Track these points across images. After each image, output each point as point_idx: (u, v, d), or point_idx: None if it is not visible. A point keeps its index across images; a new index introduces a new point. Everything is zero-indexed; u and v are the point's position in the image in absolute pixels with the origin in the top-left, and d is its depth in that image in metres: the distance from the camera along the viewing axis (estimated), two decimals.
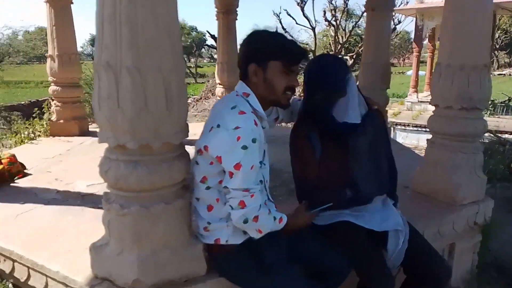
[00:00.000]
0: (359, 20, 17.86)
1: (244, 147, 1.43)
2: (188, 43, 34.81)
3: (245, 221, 1.51)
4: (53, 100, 4.62)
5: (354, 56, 17.21)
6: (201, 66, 42.34)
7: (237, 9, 5.30)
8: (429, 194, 2.64)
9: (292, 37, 19.42)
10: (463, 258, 2.62)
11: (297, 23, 18.23)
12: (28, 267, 1.89)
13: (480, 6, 2.34)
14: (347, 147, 1.89)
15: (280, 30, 18.72)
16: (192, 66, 31.22)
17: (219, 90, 5.42)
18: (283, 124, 2.20)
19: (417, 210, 2.48)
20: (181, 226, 1.62)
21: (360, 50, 15.80)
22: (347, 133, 1.89)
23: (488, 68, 2.42)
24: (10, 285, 2.00)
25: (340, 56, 15.48)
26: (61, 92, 4.46)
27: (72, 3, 4.45)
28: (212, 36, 28.64)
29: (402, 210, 2.38)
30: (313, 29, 17.62)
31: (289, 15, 17.51)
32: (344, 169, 1.91)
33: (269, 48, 1.56)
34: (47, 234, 2.11)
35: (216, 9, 5.24)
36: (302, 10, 16.82)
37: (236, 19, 5.33)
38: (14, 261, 1.95)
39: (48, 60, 4.43)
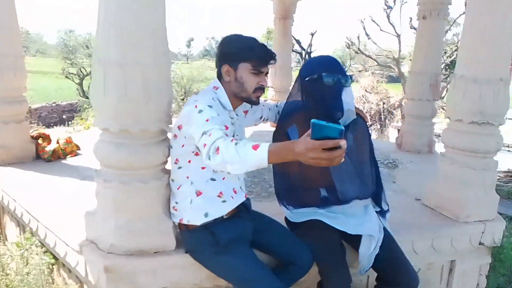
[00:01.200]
0: (449, 28, 16.78)
1: (200, 111, 1.62)
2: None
3: (209, 158, 1.49)
4: None
5: (442, 66, 16.23)
6: None
7: (294, 14, 5.45)
8: (436, 208, 2.57)
9: (375, 44, 18.90)
10: (466, 278, 2.50)
11: (381, 30, 17.56)
12: (46, 227, 2.27)
13: (499, 17, 2.24)
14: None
15: (363, 37, 18.33)
16: None
17: (271, 93, 5.60)
18: None
19: (415, 221, 2.44)
20: (155, 203, 1.84)
21: (448, 60, 14.90)
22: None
23: (506, 82, 2.30)
24: (37, 241, 2.40)
25: None
26: None
27: None
28: (297, 41, 29.04)
29: (403, 220, 2.38)
30: (398, 36, 16.94)
31: (374, 21, 17.01)
32: (324, 169, 2.00)
33: (239, 51, 1.75)
34: (68, 203, 2.48)
35: (274, 15, 5.45)
36: (388, 16, 16.28)
37: (292, 25, 5.48)
38: (38, 221, 2.35)
39: None
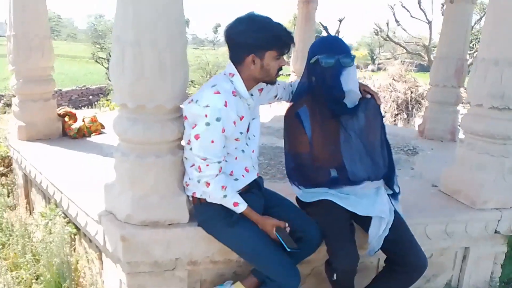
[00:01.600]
0: (483, 16, 16.15)
1: (207, 124, 1.67)
2: None
3: (199, 181, 1.78)
4: None
5: (474, 55, 15.66)
6: None
7: None
8: (452, 194, 2.54)
9: (404, 30, 18.40)
10: (480, 265, 2.48)
11: (412, 16, 17.09)
12: (69, 199, 2.38)
13: None
14: (339, 128, 2.00)
15: (393, 23, 17.86)
16: None
17: (293, 77, 5.60)
18: None
19: (430, 206, 2.43)
20: (170, 177, 1.91)
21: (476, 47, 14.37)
22: (341, 113, 1.99)
23: None
24: (60, 212, 2.53)
25: None
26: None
27: None
28: (324, 28, 28.53)
29: (417, 204, 2.38)
30: (429, 23, 16.45)
31: (404, 7, 16.55)
32: (335, 149, 2.02)
33: (266, 41, 1.73)
34: (91, 177, 2.59)
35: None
36: (419, 2, 15.81)
37: (316, 9, 5.43)
38: (61, 193, 2.47)
39: None
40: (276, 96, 2.15)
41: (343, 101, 1.99)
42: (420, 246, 2.03)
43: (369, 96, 2.06)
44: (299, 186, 2.13)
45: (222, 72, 1.84)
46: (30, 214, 3.23)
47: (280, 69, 1.84)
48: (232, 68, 1.80)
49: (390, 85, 13.36)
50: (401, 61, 16.06)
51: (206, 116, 1.67)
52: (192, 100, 1.74)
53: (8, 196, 3.47)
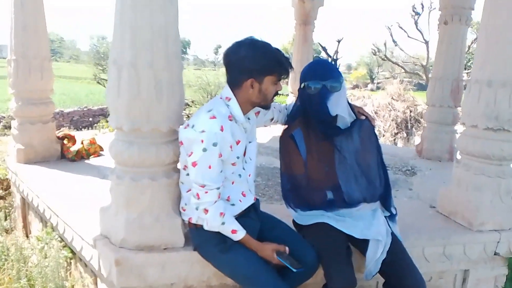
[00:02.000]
0: (476, 37, 16.33)
1: (204, 150, 1.67)
2: None
3: (197, 208, 1.77)
4: None
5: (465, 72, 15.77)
6: None
7: (315, 21, 5.48)
8: (449, 215, 2.53)
9: (402, 50, 18.61)
10: None
11: (409, 37, 17.36)
12: (64, 223, 2.37)
13: None
14: (333, 149, 2.02)
15: (390, 44, 18.09)
16: None
17: (291, 98, 5.64)
18: None
19: (427, 227, 2.41)
20: (165, 200, 1.91)
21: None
22: (334, 135, 2.01)
23: None
24: (57, 236, 2.51)
25: None
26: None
27: None
28: (323, 48, 28.94)
29: (414, 226, 2.37)
30: (427, 43, 16.66)
31: (401, 28, 16.80)
32: (330, 171, 2.03)
33: (267, 66, 1.74)
34: (87, 200, 2.58)
35: (295, 21, 5.50)
36: (416, 23, 16.06)
37: (313, 31, 5.51)
38: (57, 217, 2.46)
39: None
40: (272, 119, 2.17)
41: (336, 123, 2.02)
42: (418, 268, 2.01)
43: (363, 117, 2.08)
44: (295, 208, 2.13)
45: (219, 96, 1.85)
46: (27, 237, 3.21)
47: (276, 93, 1.86)
48: (229, 92, 1.80)
49: (389, 104, 13.44)
50: (400, 80, 16.22)
51: (202, 141, 1.67)
52: (188, 125, 1.75)
53: (6, 219, 3.45)
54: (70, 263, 2.49)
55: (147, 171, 1.87)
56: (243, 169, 1.90)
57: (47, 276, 2.13)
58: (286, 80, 2.11)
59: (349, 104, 2.06)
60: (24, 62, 3.21)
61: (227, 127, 1.71)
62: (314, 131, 2.03)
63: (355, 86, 28.35)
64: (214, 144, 1.67)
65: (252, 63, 1.72)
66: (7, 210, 3.57)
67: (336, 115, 1.99)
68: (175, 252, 1.91)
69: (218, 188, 1.74)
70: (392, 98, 13.70)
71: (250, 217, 1.94)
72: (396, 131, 12.30)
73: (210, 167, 1.69)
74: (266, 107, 1.89)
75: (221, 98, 1.82)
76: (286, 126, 2.13)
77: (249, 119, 1.91)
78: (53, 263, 2.13)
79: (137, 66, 1.76)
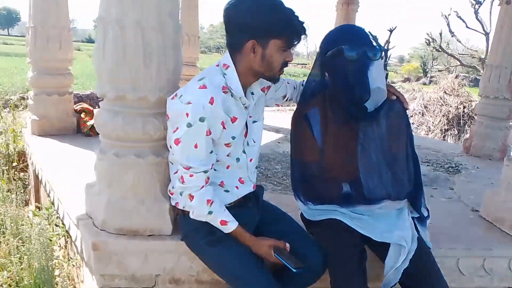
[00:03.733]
0: None
1: (189, 125, 1.39)
2: None
3: (181, 194, 1.52)
4: None
5: None
6: None
7: (359, 0, 5.04)
8: (495, 222, 2.13)
9: (460, 42, 17.41)
10: None
11: (467, 27, 16.07)
12: (58, 198, 2.22)
13: None
14: (356, 135, 1.69)
15: (447, 34, 16.92)
16: None
17: None
18: None
19: (466, 235, 2.03)
20: (153, 181, 1.67)
21: None
22: (363, 119, 1.67)
23: None
24: (55, 211, 2.37)
25: None
26: None
27: None
28: (374, 38, 27.73)
29: (450, 232, 2.02)
30: (487, 34, 15.42)
31: (459, 17, 15.64)
32: (350, 160, 1.71)
33: (273, 26, 1.41)
34: (90, 176, 2.42)
35: (336, 0, 5.09)
36: (476, 12, 14.87)
37: (357, 11, 5.08)
38: (54, 192, 2.31)
39: None
40: (285, 97, 1.86)
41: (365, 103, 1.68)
42: (450, 282, 1.66)
43: (394, 97, 1.72)
44: (306, 201, 1.82)
45: (215, 63, 1.56)
46: (40, 210, 3.14)
47: (286, 64, 1.52)
48: (228, 59, 1.50)
49: (440, 98, 12.59)
50: (456, 75, 15.18)
51: (187, 115, 1.39)
52: (176, 95, 1.48)
53: (24, 192, 3.41)
54: (67, 241, 2.34)
55: (133, 147, 1.64)
56: (243, 152, 1.61)
57: (32, 254, 1.98)
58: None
59: None
60: (42, 30, 3.10)
61: (219, 100, 1.42)
62: (335, 111, 1.70)
63: (406, 79, 27.07)
64: (201, 119, 1.39)
65: (255, 20, 1.39)
66: (25, 182, 3.53)
67: (370, 94, 1.63)
68: (160, 241, 1.68)
69: (206, 172, 1.47)
70: (444, 92, 12.83)
71: (249, 207, 1.67)
72: (446, 127, 11.52)
73: (196, 146, 1.42)
74: (273, 79, 1.56)
75: (217, 65, 1.53)
76: (299, 105, 1.82)
77: (252, 94, 1.61)
78: (39, 240, 1.97)
79: (123, 25, 1.52)
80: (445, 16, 16.10)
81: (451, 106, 12.26)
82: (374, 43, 1.67)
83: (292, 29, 1.44)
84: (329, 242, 1.65)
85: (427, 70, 33.71)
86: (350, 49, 1.56)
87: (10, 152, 3.68)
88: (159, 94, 1.61)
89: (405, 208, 1.78)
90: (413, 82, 23.77)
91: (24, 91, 8.10)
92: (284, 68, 1.56)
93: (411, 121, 11.86)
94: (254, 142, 1.66)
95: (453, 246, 1.92)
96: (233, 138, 1.52)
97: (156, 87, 1.60)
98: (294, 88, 1.88)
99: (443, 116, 11.72)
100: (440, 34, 16.65)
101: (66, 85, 3.33)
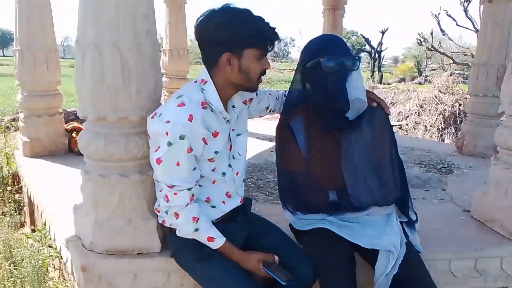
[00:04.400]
0: None
1: (169, 144, 1.39)
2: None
3: (167, 212, 1.51)
4: (164, 90, 5.20)
5: None
6: None
7: (345, 6, 5.08)
8: (486, 222, 2.12)
9: (451, 40, 17.50)
10: None
11: (458, 25, 16.21)
12: (49, 219, 2.22)
13: None
14: (340, 144, 1.70)
15: (438, 33, 17.01)
16: None
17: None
18: None
19: (457, 236, 2.03)
20: (138, 199, 1.68)
21: None
22: (343, 128, 1.69)
23: None
24: (47, 233, 2.37)
25: None
26: (170, 83, 4.99)
27: (186, 3, 4.92)
28: (366, 40, 27.86)
29: (441, 234, 2.02)
30: (477, 31, 15.52)
31: (449, 15, 15.74)
32: (335, 169, 1.71)
33: (244, 36, 1.42)
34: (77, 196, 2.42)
35: (323, 6, 5.12)
36: (465, 10, 14.97)
37: (343, 16, 5.11)
38: (44, 213, 2.31)
39: (162, 54, 5.00)
40: (268, 108, 1.87)
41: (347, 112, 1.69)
42: (443, 285, 1.66)
43: (375, 104, 1.73)
44: (294, 211, 1.82)
45: (193, 80, 1.57)
46: (34, 232, 3.13)
47: (264, 73, 1.53)
48: (205, 75, 1.51)
49: (436, 97, 12.63)
50: (450, 73, 15.22)
51: (167, 134, 1.39)
52: (155, 114, 1.48)
53: (19, 214, 3.40)
54: (61, 262, 2.34)
55: (117, 166, 1.65)
56: (229, 166, 1.62)
57: (25, 277, 1.98)
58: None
59: None
60: (29, 52, 3.11)
61: (198, 117, 1.42)
62: (318, 121, 1.72)
63: (402, 80, 27.10)
64: (181, 137, 1.39)
65: (226, 33, 1.40)
66: (21, 204, 3.52)
67: (349, 104, 1.65)
68: (149, 259, 1.68)
69: (190, 189, 1.47)
70: (439, 91, 12.86)
71: (236, 221, 1.67)
72: (443, 126, 11.52)
73: (178, 164, 1.42)
74: (252, 89, 1.57)
75: (196, 81, 1.54)
76: (282, 114, 1.83)
77: (234, 107, 1.62)
78: (31, 263, 1.97)
79: (100, 46, 1.53)
80: (435, 15, 16.21)
81: (446, 105, 12.29)
82: (353, 53, 1.69)
83: (264, 36, 1.45)
84: (318, 251, 1.65)
85: (421, 70, 33.81)
86: (328, 60, 1.58)
87: (4, 175, 3.68)
88: (141, 113, 1.61)
89: (393, 213, 1.78)
90: (408, 82, 23.81)
91: (15, 112, 8.14)
92: (262, 77, 1.57)
93: (407, 121, 11.89)
94: (240, 155, 1.67)
95: (444, 249, 1.91)
96: (216, 152, 1.53)
97: (136, 106, 1.60)
98: (277, 99, 1.89)
99: (439, 114, 11.72)
100: (431, 33, 16.76)
101: (55, 105, 3.34)
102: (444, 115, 11.90)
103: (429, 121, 11.54)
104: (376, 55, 26.40)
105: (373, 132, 1.71)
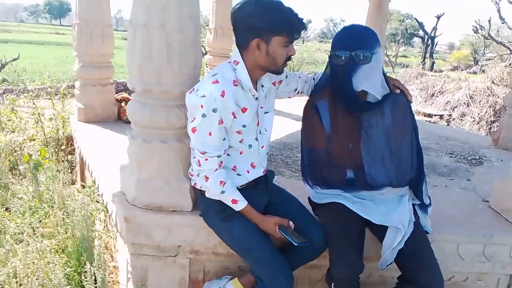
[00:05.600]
0: None
1: (203, 115, 1.61)
2: (398, 30, 33.17)
3: (198, 175, 1.73)
4: (207, 66, 5.43)
5: None
6: (407, 56, 39.89)
7: None
8: (502, 212, 2.20)
9: (511, 28, 16.50)
10: None
11: None
12: (98, 178, 2.52)
13: None
14: (361, 125, 1.84)
15: (497, 20, 16.09)
16: (392, 54, 29.67)
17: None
18: None
19: (468, 222, 2.13)
20: (175, 164, 1.91)
21: None
22: (359, 111, 1.83)
23: None
24: (96, 189, 2.69)
25: None
26: (212, 61, 5.21)
27: None
28: (420, 24, 26.71)
29: (453, 218, 2.13)
30: None
31: (510, 2, 14.83)
32: (354, 149, 1.86)
33: (273, 24, 1.60)
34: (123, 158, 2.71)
35: None
36: None
37: (390, 0, 5.06)
38: (94, 171, 2.62)
39: (207, 32, 5.20)
40: (296, 90, 2.03)
41: (366, 98, 1.83)
42: (451, 266, 1.79)
43: (398, 91, 1.85)
44: (313, 186, 2.00)
45: (227, 60, 1.77)
46: (84, 188, 3.50)
47: (289, 58, 1.71)
48: (238, 56, 1.71)
49: (488, 88, 12.10)
50: (507, 64, 14.47)
51: (202, 107, 1.61)
52: (193, 89, 1.70)
53: (71, 172, 3.79)
54: (106, 216, 2.65)
55: (158, 134, 1.88)
56: (256, 140, 1.81)
57: (75, 225, 2.29)
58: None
59: (384, 76, 1.85)
60: (86, 27, 3.41)
61: (230, 93, 1.63)
62: (341, 103, 1.87)
63: (455, 68, 25.92)
64: (214, 110, 1.60)
65: (257, 21, 1.59)
66: (73, 164, 3.91)
67: (355, 93, 1.79)
68: (181, 216, 1.92)
69: (219, 156, 1.68)
70: (492, 82, 12.30)
71: (258, 189, 1.87)
72: (493, 119, 11.07)
73: (210, 134, 1.64)
74: (277, 72, 1.75)
75: (229, 62, 1.73)
76: (311, 95, 1.99)
77: (262, 86, 1.80)
78: (80, 214, 2.27)
79: (149, 27, 1.75)
80: (496, 1, 15.32)
81: (498, 97, 11.75)
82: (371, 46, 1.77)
83: (291, 25, 1.63)
84: (331, 223, 1.83)
85: (477, 59, 32.09)
86: (336, 54, 1.76)
87: (59, 137, 4.08)
88: (181, 88, 1.83)
89: (406, 195, 1.91)
90: (462, 70, 22.76)
91: (72, 80, 8.68)
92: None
93: (454, 112, 11.50)
94: (266, 131, 1.86)
95: (453, 232, 2.02)
96: (244, 126, 1.72)
97: (178, 82, 1.82)
98: (305, 82, 2.04)
99: (490, 107, 11.26)
100: (489, 21, 15.87)
101: (107, 76, 3.65)
102: (495, 107, 11.40)
103: (478, 113, 11.12)
104: (429, 40, 25.36)
105: (395, 117, 1.84)
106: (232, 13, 1.66)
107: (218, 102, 1.60)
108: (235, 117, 1.67)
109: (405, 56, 37.89)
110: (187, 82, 1.85)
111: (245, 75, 1.68)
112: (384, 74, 1.84)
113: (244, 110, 1.70)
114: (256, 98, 1.75)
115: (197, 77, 1.91)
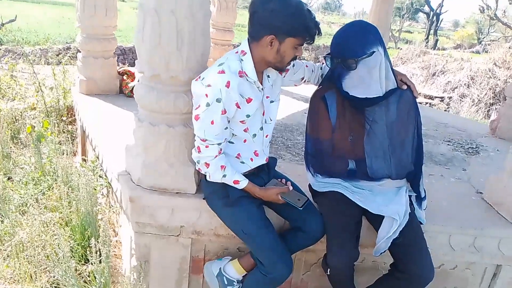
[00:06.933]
0: None
1: (207, 104, 1.64)
2: (403, 4, 32.47)
3: (198, 162, 1.78)
4: None
5: None
6: (411, 31, 39.28)
7: None
8: (494, 205, 2.28)
9: None
10: None
11: None
12: (102, 154, 2.56)
13: None
14: (364, 119, 1.87)
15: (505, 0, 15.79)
16: (396, 29, 29.09)
17: None
18: None
19: (461, 214, 2.21)
20: (180, 148, 1.95)
21: None
22: (361, 107, 1.86)
23: None
24: (99, 165, 2.73)
25: None
26: (215, 34, 5.14)
27: None
28: (426, 2, 26.17)
29: (446, 210, 2.20)
30: None
31: None
32: (357, 142, 1.90)
33: (292, 28, 1.62)
34: (126, 134, 2.73)
35: None
36: None
37: None
38: (99, 147, 2.66)
39: (210, 5, 5.11)
40: (303, 79, 2.05)
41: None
42: (442, 255, 1.87)
43: (405, 87, 1.88)
44: (315, 174, 2.05)
45: (235, 50, 1.78)
46: (85, 161, 3.54)
47: (295, 58, 1.75)
48: (246, 46, 1.72)
49: (489, 70, 12.05)
50: (510, 45, 14.35)
51: (206, 96, 1.64)
52: (199, 77, 1.71)
53: (72, 143, 3.82)
54: (109, 191, 2.71)
55: (165, 118, 1.91)
56: (261, 129, 1.85)
57: (79, 200, 2.35)
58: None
59: (392, 70, 1.86)
60: None
61: (235, 84, 1.65)
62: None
63: (458, 46, 25.64)
64: (218, 100, 1.64)
65: (278, 21, 1.60)
66: (73, 135, 3.93)
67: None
68: (185, 198, 1.98)
69: (219, 144, 1.72)
70: (494, 64, 12.24)
71: (260, 176, 1.92)
72: (492, 101, 11.09)
73: (212, 123, 1.67)
74: (281, 70, 1.80)
75: (236, 52, 1.74)
76: (319, 86, 2.01)
77: (268, 76, 1.82)
78: (84, 189, 2.33)
79: (160, 13, 1.74)
80: None
81: (499, 80, 11.72)
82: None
83: (308, 32, 1.66)
84: (328, 211, 1.90)
85: (481, 38, 31.69)
86: (330, 61, 1.83)
87: (60, 107, 4.09)
88: (189, 74, 1.84)
89: (404, 187, 1.97)
90: (465, 49, 22.54)
91: (68, 41, 8.48)
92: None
93: (453, 92, 11.46)
94: (271, 120, 1.89)
95: (446, 223, 2.10)
96: (248, 116, 1.75)
97: (186, 68, 1.83)
98: (312, 71, 2.06)
99: (490, 89, 11.26)
100: (496, 1, 15.64)
101: (110, 49, 3.63)
102: (495, 90, 11.40)
103: (478, 95, 11.12)
104: (434, 17, 24.97)
105: (399, 113, 1.87)
106: (253, 2, 1.65)
107: (222, 93, 1.63)
108: (239, 107, 1.70)
109: (409, 32, 37.30)
110: (195, 68, 1.86)
111: (250, 67, 1.70)
112: (392, 69, 1.85)
113: (249, 100, 1.73)
114: (262, 89, 1.78)
115: (204, 65, 1.92)
